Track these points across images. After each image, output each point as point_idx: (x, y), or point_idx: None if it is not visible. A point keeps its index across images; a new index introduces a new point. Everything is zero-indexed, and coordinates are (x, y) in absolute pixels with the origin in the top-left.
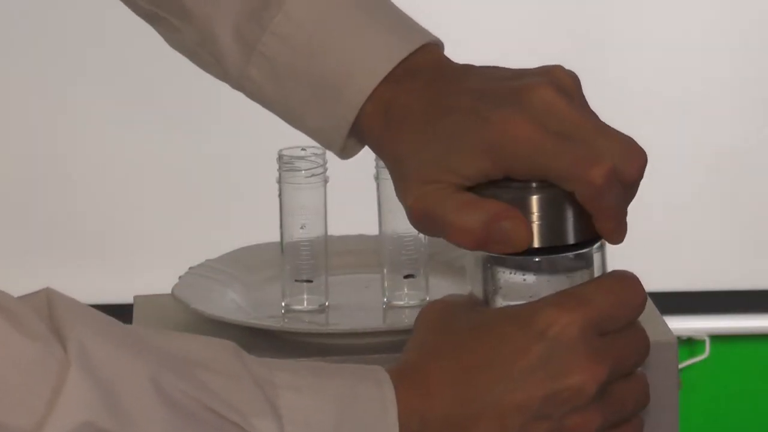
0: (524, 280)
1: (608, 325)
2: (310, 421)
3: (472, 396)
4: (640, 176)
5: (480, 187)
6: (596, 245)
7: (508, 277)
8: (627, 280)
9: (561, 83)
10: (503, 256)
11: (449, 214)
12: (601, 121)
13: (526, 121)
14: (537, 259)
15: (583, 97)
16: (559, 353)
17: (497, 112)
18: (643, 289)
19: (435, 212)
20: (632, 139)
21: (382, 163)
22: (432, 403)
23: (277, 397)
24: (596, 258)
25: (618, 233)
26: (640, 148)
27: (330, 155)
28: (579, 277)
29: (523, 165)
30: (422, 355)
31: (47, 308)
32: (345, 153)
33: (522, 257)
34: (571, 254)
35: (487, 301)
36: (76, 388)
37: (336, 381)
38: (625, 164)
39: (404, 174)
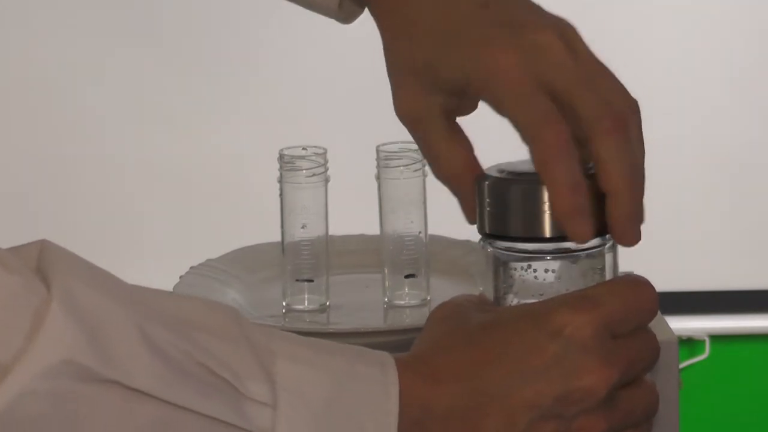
0: (536, 278)
1: (620, 328)
2: (305, 391)
3: (481, 390)
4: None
5: (491, 171)
6: (608, 245)
7: (521, 274)
8: (640, 285)
9: (567, 36)
10: (515, 253)
11: (437, 142)
12: (598, 70)
13: (516, 62)
14: (548, 258)
15: (586, 50)
16: (572, 353)
17: (497, 39)
18: (656, 295)
19: (423, 131)
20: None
21: (383, 163)
22: (438, 393)
23: (273, 363)
24: (608, 257)
25: (581, 228)
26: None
27: (330, 155)
28: (590, 276)
29: (495, 103)
30: (432, 348)
31: (37, 255)
32: (343, 15)
33: (533, 255)
34: (582, 253)
35: (498, 299)
36: (56, 324)
37: (337, 357)
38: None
39: (396, 51)
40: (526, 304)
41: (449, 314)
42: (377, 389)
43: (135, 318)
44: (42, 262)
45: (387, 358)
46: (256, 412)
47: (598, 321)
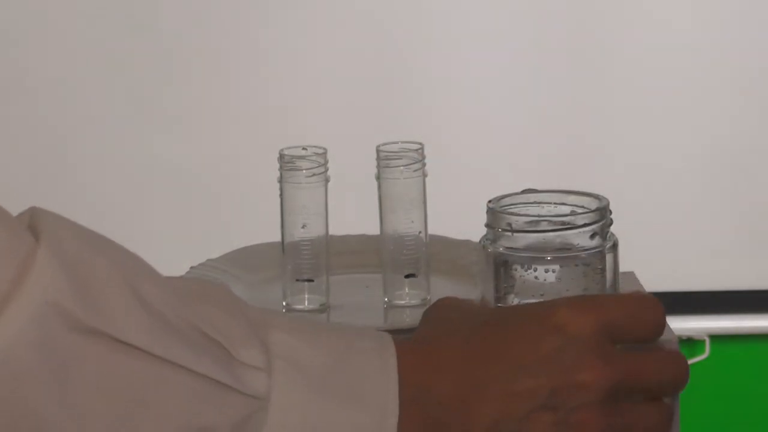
0: (536, 278)
1: (621, 334)
2: (300, 360)
3: (480, 380)
4: None
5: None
6: (608, 245)
7: (521, 274)
8: (645, 300)
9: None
10: (516, 254)
11: None
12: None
13: None
14: (549, 258)
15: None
16: (572, 349)
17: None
18: (662, 313)
19: None
20: None
21: (383, 163)
22: (437, 377)
23: (268, 334)
24: (608, 257)
25: None
26: None
27: (330, 155)
28: (591, 276)
29: None
30: (433, 334)
31: (29, 216)
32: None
33: (534, 255)
34: (583, 253)
35: (498, 299)
36: (43, 270)
37: (335, 333)
38: None
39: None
40: (528, 303)
41: (453, 305)
42: (376, 362)
43: (126, 274)
44: (33, 219)
45: (386, 336)
46: (250, 376)
47: (598, 322)
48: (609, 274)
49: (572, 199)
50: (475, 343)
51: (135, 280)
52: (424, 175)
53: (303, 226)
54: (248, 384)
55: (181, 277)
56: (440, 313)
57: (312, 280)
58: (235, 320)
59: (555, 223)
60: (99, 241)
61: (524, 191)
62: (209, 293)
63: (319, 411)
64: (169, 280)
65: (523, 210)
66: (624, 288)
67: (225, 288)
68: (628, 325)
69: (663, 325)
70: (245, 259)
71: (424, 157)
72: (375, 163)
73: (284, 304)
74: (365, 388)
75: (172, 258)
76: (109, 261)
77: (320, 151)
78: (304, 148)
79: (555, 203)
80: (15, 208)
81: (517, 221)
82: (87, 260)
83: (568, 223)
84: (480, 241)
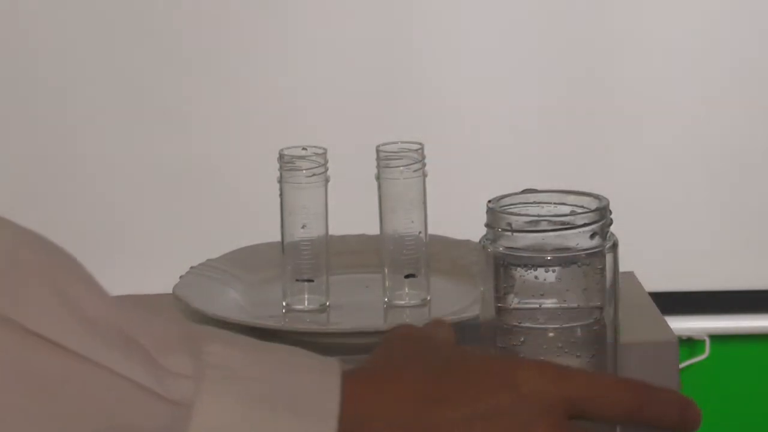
0: (536, 278)
1: (584, 411)
2: (238, 372)
3: (432, 419)
4: None
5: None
6: (608, 245)
7: (521, 274)
8: (625, 382)
9: None
10: (516, 254)
11: None
12: None
13: None
14: (549, 258)
15: None
16: (526, 410)
17: None
18: (638, 397)
19: None
20: None
21: (383, 163)
22: (385, 410)
23: (203, 344)
24: (608, 257)
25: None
26: None
27: (330, 155)
28: (591, 276)
29: None
30: (387, 364)
31: None
32: None
33: (534, 255)
34: (583, 253)
35: (498, 299)
36: None
37: (276, 349)
38: None
39: None
40: (494, 355)
41: (412, 337)
42: (319, 378)
43: (54, 272)
44: None
45: (334, 360)
46: (173, 382)
47: (560, 395)
48: (609, 274)
49: (572, 199)
50: (430, 382)
51: (64, 278)
52: (424, 175)
53: (303, 226)
54: (171, 390)
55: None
56: (397, 343)
57: (312, 280)
58: (167, 329)
59: (555, 223)
60: (36, 241)
61: (524, 191)
62: (148, 307)
63: (252, 422)
64: (106, 292)
65: (522, 210)
66: (624, 288)
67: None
68: (593, 404)
69: (637, 405)
70: (245, 259)
71: (424, 157)
72: (375, 163)
73: (284, 304)
74: (305, 402)
75: (172, 258)
76: (36, 257)
77: (320, 151)
78: (304, 148)
79: (555, 203)
80: (15, 208)
81: (517, 221)
82: (12, 251)
83: (568, 223)
84: (480, 241)
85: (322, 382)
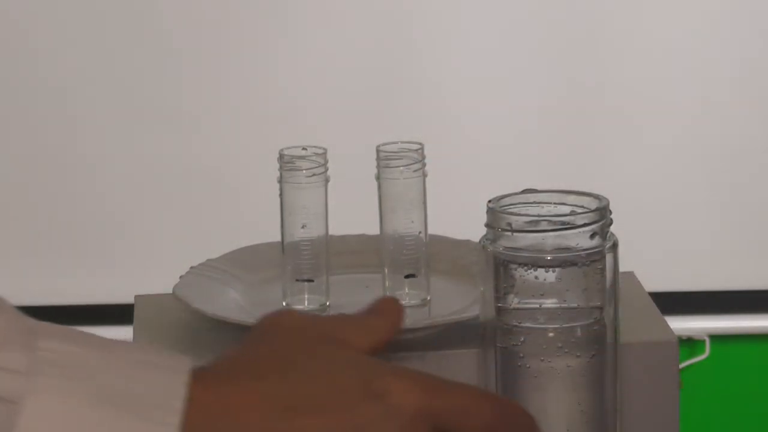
0: (536, 278)
1: (446, 419)
2: (76, 368)
3: (280, 425)
4: None
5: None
6: (608, 245)
7: (521, 274)
8: (488, 396)
9: None
10: (516, 254)
11: None
12: None
13: None
14: (549, 258)
15: None
16: (392, 422)
17: None
18: (501, 411)
19: None
20: None
21: (383, 163)
22: (231, 422)
23: (39, 340)
24: (608, 257)
25: None
26: None
27: (330, 155)
28: (591, 276)
29: None
30: (239, 368)
31: None
32: None
33: (534, 255)
34: (583, 253)
35: (498, 299)
36: None
37: (122, 346)
38: None
39: None
40: (368, 358)
41: (286, 327)
42: (163, 376)
43: None
44: None
45: (185, 359)
46: (4, 379)
47: (422, 403)
48: (609, 274)
49: (572, 199)
50: (289, 387)
51: None
52: (424, 175)
53: (303, 226)
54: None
55: None
56: (266, 336)
57: (312, 280)
58: (5, 323)
59: (555, 223)
60: None
61: (524, 191)
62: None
63: (87, 420)
64: None
65: (522, 210)
66: (624, 288)
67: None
68: (457, 417)
69: (498, 423)
70: (245, 259)
71: (424, 157)
72: (375, 163)
73: (284, 304)
74: (148, 402)
75: (172, 258)
76: None
77: (320, 151)
78: (304, 148)
79: (555, 203)
80: (15, 208)
81: (517, 221)
82: None
83: (568, 223)
84: (480, 241)
85: (168, 381)
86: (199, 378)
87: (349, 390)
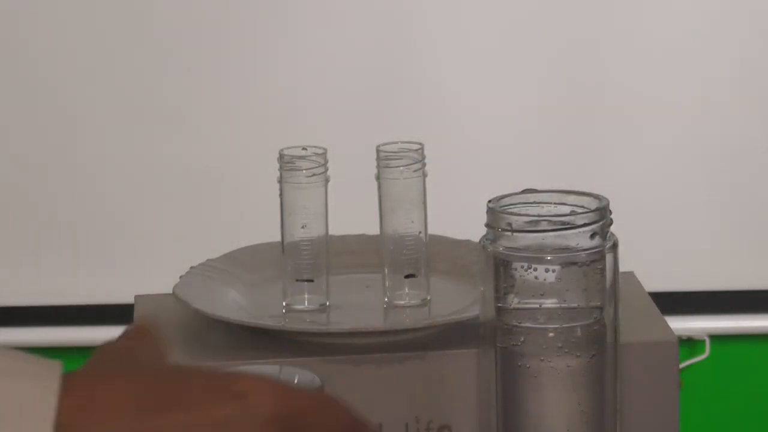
0: (536, 278)
1: (301, 423)
2: None
3: (148, 423)
4: None
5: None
6: (608, 245)
7: (521, 274)
8: (341, 407)
9: None
10: (516, 254)
11: None
12: None
13: None
14: (549, 258)
15: None
16: (249, 420)
17: None
18: (352, 423)
19: None
20: None
21: (383, 163)
22: (99, 412)
23: None
24: (608, 257)
25: None
26: None
27: (330, 155)
28: (591, 276)
29: None
30: (103, 370)
31: None
32: None
33: (534, 255)
34: (583, 253)
35: (498, 299)
36: None
37: None
38: None
39: None
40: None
41: (117, 350)
42: (34, 383)
43: None
44: None
45: (55, 364)
46: None
47: (278, 405)
48: (609, 274)
49: (572, 199)
50: (151, 389)
51: None
52: (424, 175)
53: (303, 226)
54: None
55: None
56: (105, 357)
57: (312, 280)
58: None
59: (555, 223)
60: None
61: (524, 191)
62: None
63: None
64: None
65: (523, 210)
66: (624, 288)
67: None
68: (310, 422)
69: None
70: (245, 259)
71: (424, 157)
72: (375, 163)
73: (284, 304)
74: (18, 409)
75: (172, 258)
76: None
77: (320, 151)
78: (304, 148)
79: (555, 203)
80: (15, 208)
81: (517, 221)
82: None
83: (568, 223)
84: (480, 241)
85: (38, 387)
86: (68, 383)
87: (211, 390)
